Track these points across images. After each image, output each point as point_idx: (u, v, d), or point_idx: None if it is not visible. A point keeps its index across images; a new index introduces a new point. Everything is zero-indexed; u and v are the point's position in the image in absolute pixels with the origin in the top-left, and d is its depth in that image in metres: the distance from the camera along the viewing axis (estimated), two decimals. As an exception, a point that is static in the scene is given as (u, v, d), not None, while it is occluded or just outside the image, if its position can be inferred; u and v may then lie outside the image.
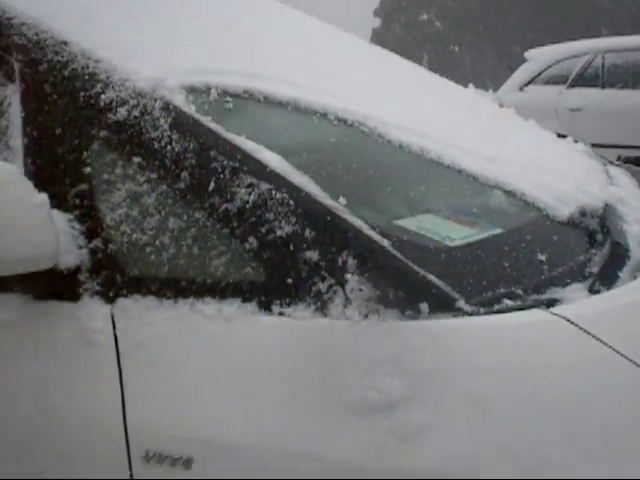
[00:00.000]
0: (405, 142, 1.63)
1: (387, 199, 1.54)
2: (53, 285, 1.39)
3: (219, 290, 1.32)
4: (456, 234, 1.45)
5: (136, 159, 1.39)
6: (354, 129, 1.62)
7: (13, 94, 1.51)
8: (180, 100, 1.44)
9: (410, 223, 1.47)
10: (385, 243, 1.31)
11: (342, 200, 1.36)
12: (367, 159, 1.59)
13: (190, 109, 1.43)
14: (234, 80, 1.58)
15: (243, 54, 1.72)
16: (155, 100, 1.42)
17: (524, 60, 9.02)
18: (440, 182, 1.65)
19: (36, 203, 1.33)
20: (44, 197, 1.34)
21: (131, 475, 1.34)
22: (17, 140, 1.48)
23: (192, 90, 1.49)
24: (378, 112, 1.69)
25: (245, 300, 1.30)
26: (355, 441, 1.22)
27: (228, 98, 1.53)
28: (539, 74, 8.57)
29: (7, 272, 1.31)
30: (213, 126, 1.41)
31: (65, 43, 1.51)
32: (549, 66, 8.54)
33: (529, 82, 8.63)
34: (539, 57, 8.80)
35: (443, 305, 1.26)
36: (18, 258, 1.31)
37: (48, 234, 1.33)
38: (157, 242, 1.36)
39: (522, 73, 8.78)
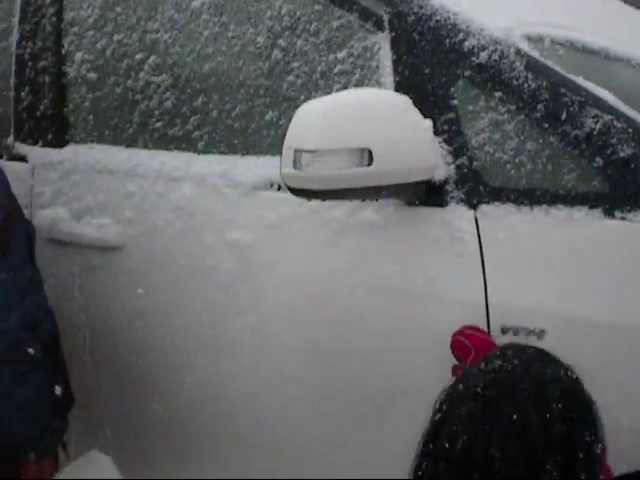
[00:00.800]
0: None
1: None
2: (424, 194, 1.76)
3: (569, 199, 1.66)
4: None
5: (497, 94, 1.74)
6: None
7: (382, 40, 1.87)
8: (526, 47, 1.78)
9: None
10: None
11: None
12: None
13: (535, 54, 1.77)
14: (557, 31, 1.90)
15: (556, 9, 2.05)
16: (509, 46, 1.76)
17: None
18: None
19: (425, 127, 1.70)
20: (430, 122, 1.71)
21: (489, 344, 1.69)
22: (388, 78, 1.84)
23: (530, 39, 1.83)
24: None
25: (592, 207, 1.64)
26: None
27: (557, 46, 1.86)
28: None
29: (400, 180, 1.68)
30: (558, 68, 1.74)
31: (424, -2, 1.86)
32: None
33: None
34: None
35: None
36: (408, 170, 1.68)
37: (431, 152, 1.70)
38: (516, 160, 1.71)
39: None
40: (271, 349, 1.93)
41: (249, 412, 2.02)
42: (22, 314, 1.86)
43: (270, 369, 1.95)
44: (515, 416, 1.21)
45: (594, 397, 1.27)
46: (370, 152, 1.60)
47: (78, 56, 2.29)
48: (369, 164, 1.61)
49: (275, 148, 1.90)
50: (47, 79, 2.33)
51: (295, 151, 1.60)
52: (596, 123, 1.66)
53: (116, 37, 2.24)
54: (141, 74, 2.19)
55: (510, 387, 1.24)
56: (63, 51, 2.33)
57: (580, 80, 1.73)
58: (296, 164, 1.60)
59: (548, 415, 1.21)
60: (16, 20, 2.43)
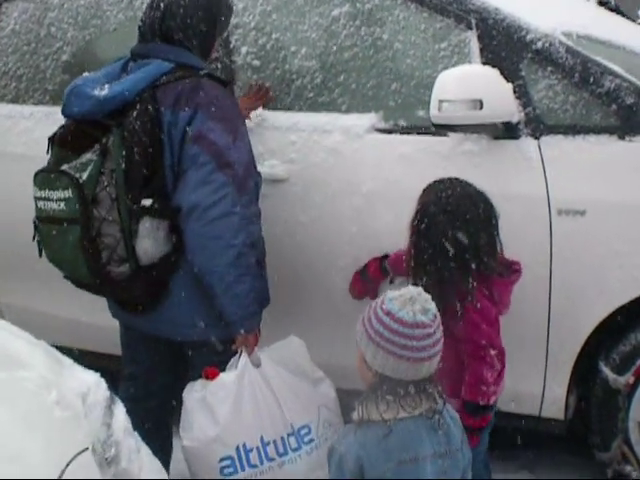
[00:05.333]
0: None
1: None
2: (506, 131, 2.84)
3: (597, 130, 2.77)
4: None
5: (549, 68, 2.84)
6: None
7: (472, 35, 2.95)
8: (564, 38, 2.89)
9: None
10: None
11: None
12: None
13: (570, 43, 2.88)
14: (578, 29, 3.02)
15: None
16: (554, 38, 2.87)
17: None
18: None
19: (508, 88, 2.78)
20: (510, 85, 2.79)
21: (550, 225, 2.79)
22: (477, 60, 2.92)
23: (565, 34, 2.93)
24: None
25: (610, 134, 2.75)
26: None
27: (581, 39, 2.97)
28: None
29: (496, 120, 2.75)
30: (583, 52, 2.86)
31: (497, 8, 2.96)
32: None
33: None
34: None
35: None
36: (502, 114, 2.77)
37: (513, 104, 2.79)
38: (562, 107, 2.82)
39: None
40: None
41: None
42: (246, 236, 2.60)
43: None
44: (468, 215, 2.47)
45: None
46: (481, 102, 2.68)
47: (244, 49, 3.33)
48: (480, 109, 2.69)
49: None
50: (219, 66, 3.35)
51: (439, 101, 2.68)
52: (611, 83, 2.78)
53: (274, 35, 3.28)
54: (295, 60, 3.24)
55: (465, 200, 2.50)
56: (231, 46, 3.35)
57: (599, 58, 2.85)
58: (439, 109, 2.68)
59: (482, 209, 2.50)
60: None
